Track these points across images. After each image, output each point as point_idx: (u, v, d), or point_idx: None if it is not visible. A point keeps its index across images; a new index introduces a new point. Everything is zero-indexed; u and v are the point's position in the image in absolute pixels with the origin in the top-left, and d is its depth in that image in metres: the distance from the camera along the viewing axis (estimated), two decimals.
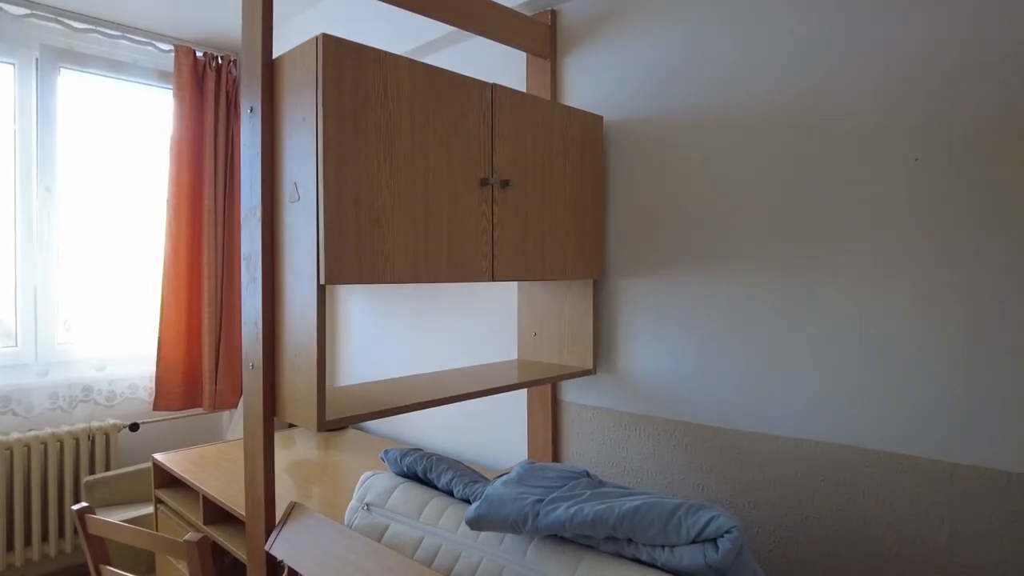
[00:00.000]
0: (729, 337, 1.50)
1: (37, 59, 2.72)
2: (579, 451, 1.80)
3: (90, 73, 2.89)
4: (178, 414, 3.12)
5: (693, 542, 0.91)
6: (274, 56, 1.27)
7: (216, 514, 1.84)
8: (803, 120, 1.37)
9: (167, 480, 2.14)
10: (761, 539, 1.45)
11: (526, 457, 1.94)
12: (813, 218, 1.36)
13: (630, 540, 0.96)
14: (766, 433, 1.44)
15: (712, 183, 1.52)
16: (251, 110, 1.29)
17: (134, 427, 2.93)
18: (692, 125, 1.56)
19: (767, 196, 1.43)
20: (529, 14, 1.87)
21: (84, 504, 1.47)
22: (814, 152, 1.36)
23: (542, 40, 1.82)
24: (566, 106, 1.62)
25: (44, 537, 2.66)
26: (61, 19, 2.70)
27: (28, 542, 2.61)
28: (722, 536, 0.90)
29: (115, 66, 2.94)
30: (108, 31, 2.84)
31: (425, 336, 2.29)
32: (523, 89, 1.94)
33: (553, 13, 1.84)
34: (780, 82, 1.41)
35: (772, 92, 1.42)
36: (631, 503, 0.94)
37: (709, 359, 1.53)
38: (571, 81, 1.82)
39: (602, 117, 1.72)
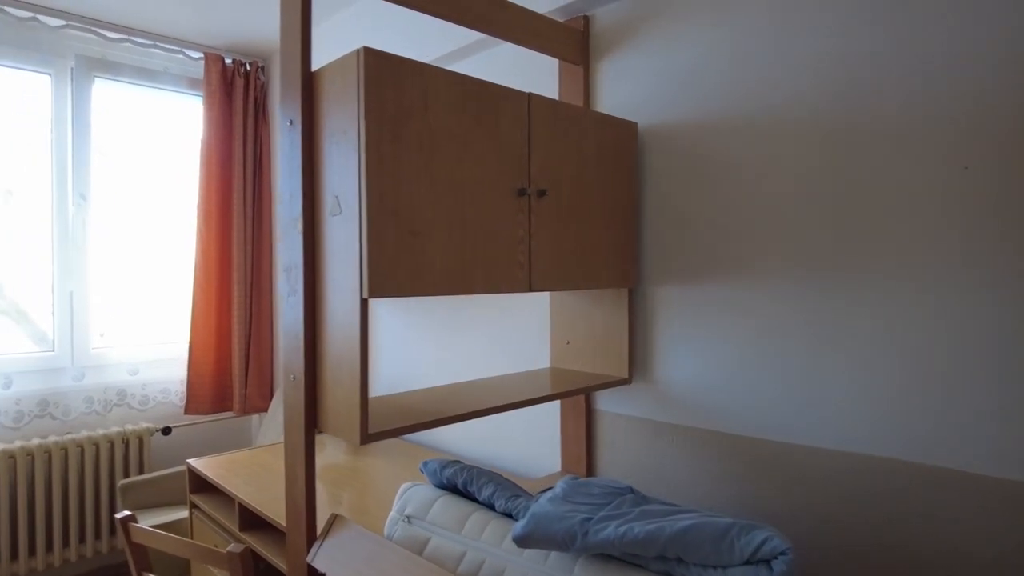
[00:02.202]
0: (767, 346, 1.47)
1: (72, 69, 2.77)
2: (614, 460, 1.79)
3: (122, 82, 2.93)
4: (209, 418, 3.16)
5: (746, 563, 0.90)
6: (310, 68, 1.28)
7: (251, 520, 1.85)
8: (844, 126, 1.35)
9: (201, 485, 2.17)
10: (800, 551, 1.42)
11: (560, 466, 1.93)
12: (854, 226, 1.34)
13: (680, 560, 0.95)
14: (805, 444, 1.41)
15: (749, 190, 1.50)
16: (291, 123, 1.30)
17: (166, 431, 2.97)
18: (728, 131, 1.54)
19: (806, 204, 1.41)
20: (561, 20, 1.85)
21: (127, 512, 1.49)
22: (856, 160, 1.34)
23: (575, 46, 1.80)
24: (601, 113, 1.60)
25: (81, 539, 2.71)
26: (95, 29, 2.74)
27: (66, 543, 2.66)
28: (776, 558, 0.89)
29: (146, 74, 2.99)
30: (140, 40, 2.88)
31: (455, 344, 2.29)
32: (555, 95, 1.93)
33: (585, 19, 1.82)
34: (820, 87, 1.38)
35: (811, 97, 1.39)
36: (682, 522, 0.93)
37: (746, 368, 1.51)
38: (604, 87, 1.80)
39: (636, 124, 1.71)
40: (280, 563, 1.62)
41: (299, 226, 1.28)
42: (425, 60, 2.24)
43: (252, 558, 1.38)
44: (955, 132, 1.21)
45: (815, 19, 1.39)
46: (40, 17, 2.62)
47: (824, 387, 1.39)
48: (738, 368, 1.53)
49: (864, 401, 1.33)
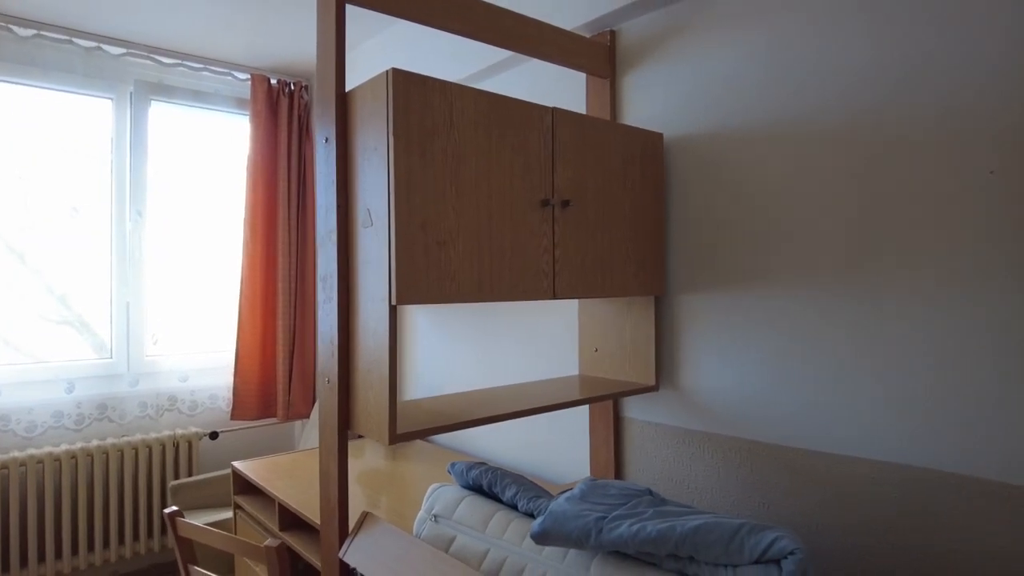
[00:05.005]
0: (795, 354, 1.48)
1: (131, 93, 2.95)
2: (642, 468, 1.80)
3: (176, 104, 3.11)
4: (254, 423, 3.28)
5: (756, 562, 0.91)
6: (345, 88, 1.35)
7: (291, 520, 1.93)
8: (871, 133, 1.35)
9: (245, 487, 2.26)
10: (831, 562, 1.41)
11: (588, 472, 1.95)
12: (882, 233, 1.34)
13: (692, 558, 0.97)
14: (835, 453, 1.41)
15: (776, 199, 1.51)
16: (326, 140, 1.38)
17: (214, 435, 3.10)
18: (755, 141, 1.55)
19: (834, 211, 1.41)
20: (588, 35, 1.90)
21: (174, 508, 1.59)
22: (883, 166, 1.34)
23: (601, 60, 1.85)
24: (626, 125, 1.64)
25: (135, 536, 2.85)
26: (153, 56, 2.92)
27: (121, 540, 2.81)
28: (786, 557, 0.90)
29: (198, 96, 3.16)
30: (192, 64, 3.05)
31: (487, 351, 2.34)
32: (583, 108, 1.97)
33: (612, 34, 1.87)
34: (846, 96, 1.39)
35: (838, 106, 1.40)
36: (693, 522, 0.96)
37: (775, 376, 1.52)
38: (631, 100, 1.84)
39: (662, 134, 1.74)
40: (315, 560, 1.69)
41: (334, 238, 1.35)
42: (457, 78, 2.31)
43: (288, 554, 1.45)
44: (981, 137, 1.21)
45: (841, 30, 1.40)
46: (104, 46, 2.81)
47: (855, 395, 1.38)
48: (767, 376, 1.53)
49: (895, 410, 1.32)
